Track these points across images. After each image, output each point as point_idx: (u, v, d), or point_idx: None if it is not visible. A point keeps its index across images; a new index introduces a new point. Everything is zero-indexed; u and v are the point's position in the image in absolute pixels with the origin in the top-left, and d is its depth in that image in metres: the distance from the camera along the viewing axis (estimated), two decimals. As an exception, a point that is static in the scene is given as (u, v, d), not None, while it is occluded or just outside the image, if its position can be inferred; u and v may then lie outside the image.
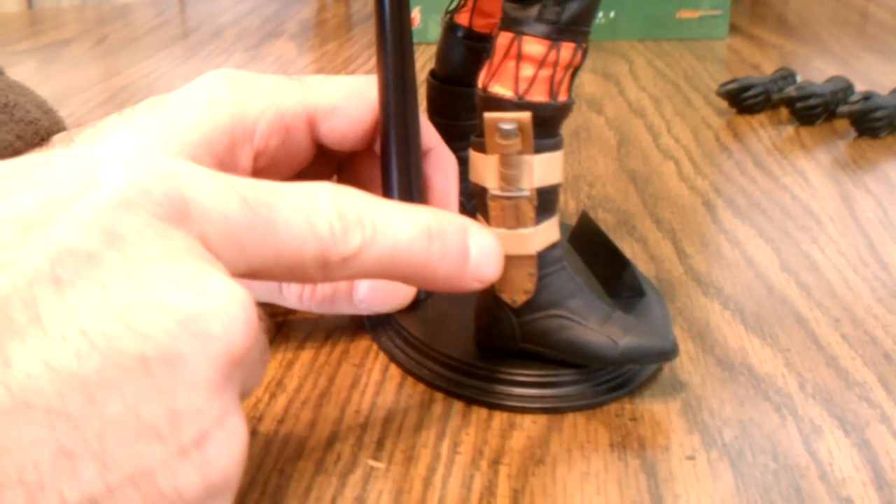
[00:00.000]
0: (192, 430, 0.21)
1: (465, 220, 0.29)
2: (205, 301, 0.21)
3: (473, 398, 0.33)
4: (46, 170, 0.22)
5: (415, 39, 0.37)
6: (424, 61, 0.81)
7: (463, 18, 0.40)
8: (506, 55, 0.31)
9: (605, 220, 0.50)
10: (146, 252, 0.21)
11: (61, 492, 0.19)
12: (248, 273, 0.25)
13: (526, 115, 0.30)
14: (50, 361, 0.19)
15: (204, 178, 0.24)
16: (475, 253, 0.29)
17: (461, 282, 0.29)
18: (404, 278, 0.28)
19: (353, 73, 0.83)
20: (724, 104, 0.70)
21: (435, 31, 0.92)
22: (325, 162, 0.40)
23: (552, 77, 0.31)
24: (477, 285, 0.30)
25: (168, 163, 0.23)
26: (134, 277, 0.21)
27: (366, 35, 0.99)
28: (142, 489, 0.20)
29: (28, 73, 0.85)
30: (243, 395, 0.26)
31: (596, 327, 0.33)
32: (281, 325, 0.39)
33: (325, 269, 0.26)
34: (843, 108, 0.62)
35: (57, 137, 0.39)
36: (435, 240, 0.28)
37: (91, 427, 0.19)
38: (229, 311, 0.21)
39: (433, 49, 0.44)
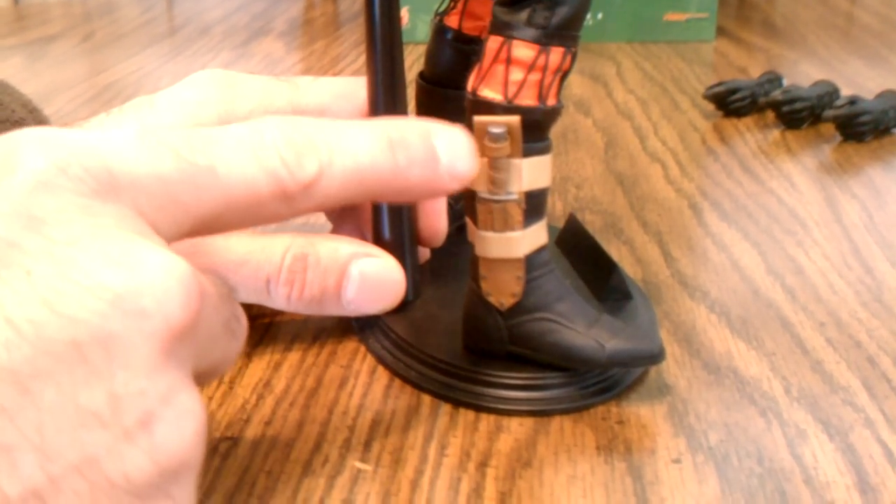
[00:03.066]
0: (136, 411, 0.20)
1: (427, 122, 0.28)
2: (136, 277, 0.20)
3: (461, 400, 0.33)
4: None
5: (403, 39, 0.37)
6: (413, 61, 0.81)
7: (452, 21, 0.40)
8: (495, 59, 0.31)
9: (592, 223, 0.50)
10: (70, 233, 0.21)
11: (1, 487, 0.19)
12: (201, 229, 0.24)
13: (515, 119, 0.30)
14: None
15: (130, 144, 0.23)
16: (444, 152, 0.27)
17: (437, 184, 0.28)
18: (377, 195, 0.27)
19: (340, 72, 0.83)
20: (710, 107, 0.70)
21: (423, 30, 0.92)
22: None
23: (541, 81, 0.31)
24: (456, 185, 0.28)
25: (88, 137, 0.23)
26: (59, 260, 0.20)
27: (354, 34, 0.99)
28: (87, 478, 0.20)
29: (14, 70, 0.85)
30: (212, 373, 0.25)
31: (583, 330, 0.33)
32: (269, 327, 0.39)
33: (288, 203, 0.25)
34: (829, 113, 0.63)
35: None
36: (398, 148, 0.26)
37: (28, 419, 0.19)
38: (163, 284, 0.21)
39: (422, 49, 0.44)
